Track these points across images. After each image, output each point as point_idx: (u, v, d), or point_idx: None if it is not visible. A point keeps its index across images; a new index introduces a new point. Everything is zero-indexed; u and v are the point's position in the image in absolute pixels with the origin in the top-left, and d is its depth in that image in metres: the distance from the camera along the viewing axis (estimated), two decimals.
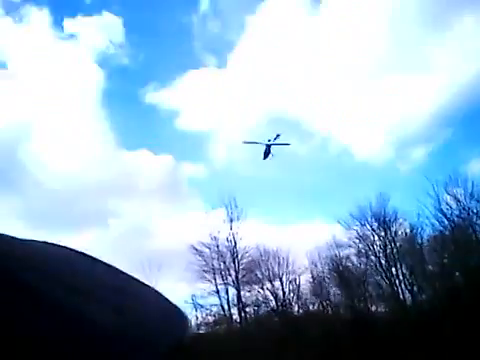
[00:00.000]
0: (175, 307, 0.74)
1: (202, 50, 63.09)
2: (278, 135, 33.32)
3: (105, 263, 0.74)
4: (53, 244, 0.72)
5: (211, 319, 37.91)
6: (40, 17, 54.97)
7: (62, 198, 48.69)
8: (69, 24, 51.62)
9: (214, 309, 37.76)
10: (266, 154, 33.14)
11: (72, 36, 52.51)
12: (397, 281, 35.95)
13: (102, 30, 53.22)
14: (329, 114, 52.79)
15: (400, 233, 37.78)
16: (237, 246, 38.86)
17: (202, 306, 37.56)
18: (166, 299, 0.75)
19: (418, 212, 36.49)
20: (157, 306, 0.73)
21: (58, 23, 62.74)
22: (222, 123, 61.58)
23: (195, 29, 60.43)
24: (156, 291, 0.76)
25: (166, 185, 53.23)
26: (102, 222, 53.37)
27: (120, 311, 0.62)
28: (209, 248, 38.84)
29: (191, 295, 37.85)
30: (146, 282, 0.79)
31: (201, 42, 58.60)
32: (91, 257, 0.74)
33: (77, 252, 0.75)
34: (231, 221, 39.26)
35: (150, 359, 0.72)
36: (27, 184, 49.37)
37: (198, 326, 38.42)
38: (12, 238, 0.67)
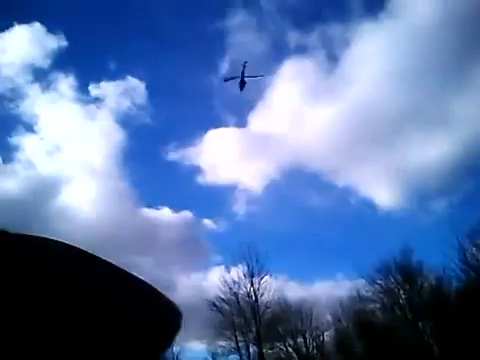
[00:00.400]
0: (170, 302, 0.75)
1: (222, 109, 65.15)
2: (246, 62, 33.01)
3: (101, 258, 0.75)
4: (49, 239, 0.73)
5: None
6: (67, 82, 58.16)
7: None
8: (94, 88, 54.36)
9: None
10: (242, 86, 33.00)
11: (97, 99, 55.11)
12: (425, 336, 34.51)
13: (125, 93, 55.90)
14: (349, 166, 53.02)
15: (426, 286, 36.72)
16: (258, 301, 38.20)
17: None
18: (161, 294, 0.77)
19: (443, 264, 35.67)
20: (153, 301, 0.75)
21: (84, 87, 66.09)
22: (242, 178, 62.49)
23: (215, 89, 62.75)
24: (151, 286, 0.77)
25: (186, 240, 53.36)
26: None
27: (116, 306, 0.68)
28: (229, 304, 38.29)
29: (211, 353, 36.97)
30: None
31: (221, 101, 60.66)
32: (87, 253, 0.75)
33: (73, 247, 0.75)
34: (252, 276, 38.85)
35: (146, 354, 0.73)
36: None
37: None
38: (6, 232, 0.70)
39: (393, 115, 48.84)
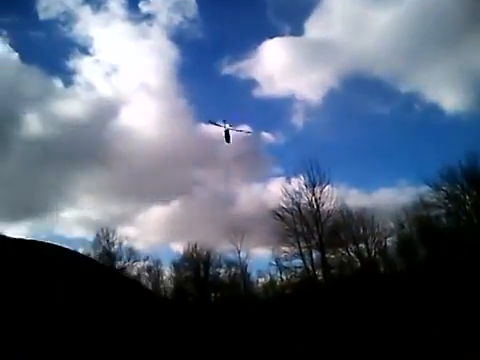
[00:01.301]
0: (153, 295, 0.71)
1: (276, 18, 62.30)
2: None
3: (91, 259, 0.77)
4: (43, 243, 0.78)
5: (296, 280, 38.35)
6: (116, 1, 57.13)
7: (147, 170, 51.22)
8: (144, 5, 53.24)
9: (298, 271, 38.17)
10: (227, 138, 32.82)
11: (148, 16, 54.16)
12: None
13: (176, 7, 54.52)
14: (413, 70, 50.26)
15: None
16: (320, 210, 38.67)
17: (287, 268, 38.16)
18: (148, 290, 0.75)
19: None
20: (140, 296, 0.75)
21: (134, 5, 65.00)
22: (299, 89, 61.09)
23: None
24: (139, 283, 0.76)
25: (246, 154, 54.01)
26: (187, 191, 55.57)
27: (104, 305, 0.69)
28: (291, 213, 39.07)
29: (275, 258, 38.59)
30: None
31: (274, 10, 57.98)
32: (78, 254, 0.78)
33: (64, 249, 0.79)
34: (313, 186, 39.07)
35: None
36: (114, 159, 52.45)
37: (283, 288, 39.21)
38: (2, 237, 0.75)
39: (459, 14, 44.99)
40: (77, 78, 65.66)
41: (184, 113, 57.22)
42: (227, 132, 32.47)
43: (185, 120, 57.42)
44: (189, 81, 62.07)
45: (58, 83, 64.97)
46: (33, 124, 47.30)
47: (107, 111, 56.17)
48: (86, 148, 48.45)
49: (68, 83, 69.73)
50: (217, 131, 54.65)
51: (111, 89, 63.17)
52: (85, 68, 59.70)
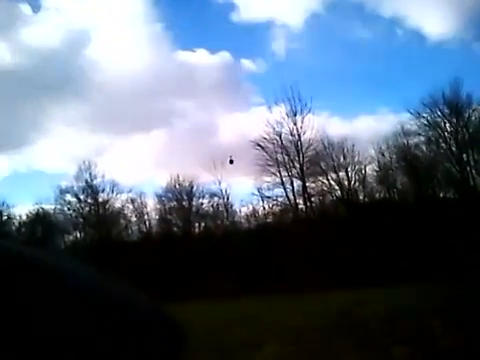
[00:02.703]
0: (171, 320, 0.69)
1: None
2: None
3: (102, 274, 0.70)
4: (49, 253, 0.68)
5: (277, 209, 39.16)
6: None
7: (125, 100, 50.00)
8: None
9: (280, 200, 38.87)
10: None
11: None
12: (468, 167, 34.98)
13: None
14: None
15: (473, 119, 36.00)
16: (301, 139, 38.76)
17: (268, 197, 38.78)
18: (164, 313, 0.70)
19: None
20: (155, 319, 0.68)
21: None
22: (280, 12, 58.87)
23: None
24: (152, 303, 0.71)
25: (226, 82, 52.78)
26: (166, 121, 54.77)
27: (118, 323, 0.59)
28: (273, 143, 39.06)
29: (257, 188, 39.04)
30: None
31: None
32: (86, 266, 0.70)
33: (72, 260, 0.71)
34: (295, 115, 38.82)
35: None
36: (90, 89, 50.83)
37: (265, 216, 40.08)
38: (7, 247, 0.62)
39: None
40: (46, 2, 61.71)
41: (161, 39, 54.85)
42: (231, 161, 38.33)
43: (162, 47, 55.17)
44: (165, 5, 59.02)
45: (26, 9, 61.12)
46: (2, 54, 45.03)
47: (80, 38, 53.47)
48: (60, 78, 46.51)
49: (36, 8, 65.71)
50: (196, 58, 52.98)
51: (83, 14, 59.80)
52: None
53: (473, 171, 34.97)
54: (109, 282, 0.72)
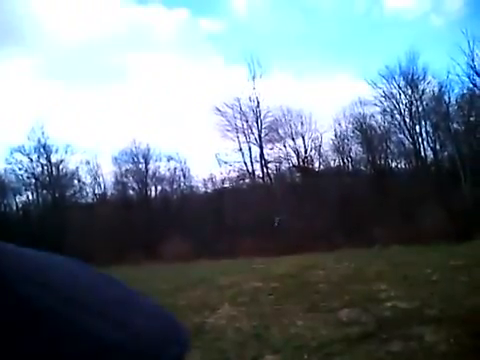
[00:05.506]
0: (176, 322, 0.68)
1: None
2: None
3: (105, 275, 0.69)
4: (54, 255, 0.68)
5: (234, 175, 39.43)
6: None
7: (78, 54, 48.04)
8: None
9: (237, 165, 39.10)
10: None
11: None
12: (420, 139, 36.15)
13: None
14: None
15: (428, 91, 36.95)
16: (260, 106, 38.81)
17: (226, 163, 38.91)
18: (167, 313, 0.69)
19: (448, 70, 35.17)
20: (157, 320, 0.67)
21: None
22: None
23: None
24: (157, 305, 0.69)
25: (183, 42, 51.51)
26: (121, 78, 53.23)
27: (120, 325, 0.60)
28: (232, 108, 38.97)
29: (215, 153, 39.04)
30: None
31: None
32: (91, 268, 0.69)
33: (76, 263, 0.69)
34: (254, 79, 38.68)
35: None
36: (41, 40, 48.41)
37: (223, 181, 40.30)
38: (11, 249, 0.62)
39: None
40: None
41: None
42: None
43: (112, 1, 52.84)
44: None
45: None
46: None
47: None
48: (1, 26, 43.74)
49: None
50: (153, 14, 51.14)
51: None
52: None
53: (424, 143, 36.20)
54: (109, 282, 0.73)
